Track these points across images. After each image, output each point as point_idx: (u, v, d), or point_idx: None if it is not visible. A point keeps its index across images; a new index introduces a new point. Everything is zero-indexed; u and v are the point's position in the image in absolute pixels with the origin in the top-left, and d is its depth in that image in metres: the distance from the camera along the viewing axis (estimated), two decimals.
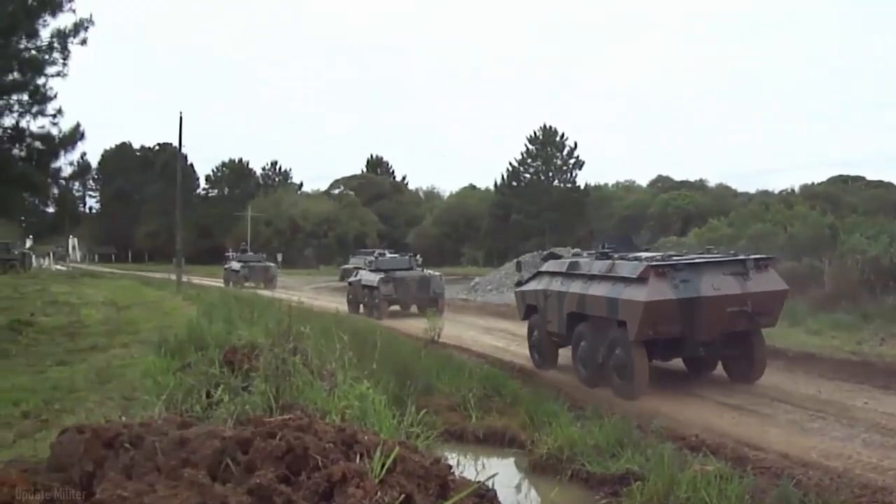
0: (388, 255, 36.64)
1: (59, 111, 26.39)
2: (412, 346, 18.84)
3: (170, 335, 16.53)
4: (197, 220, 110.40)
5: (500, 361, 19.21)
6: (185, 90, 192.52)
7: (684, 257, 15.95)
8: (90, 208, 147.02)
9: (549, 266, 19.06)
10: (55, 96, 26.39)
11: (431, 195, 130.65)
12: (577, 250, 20.39)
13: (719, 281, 14.67)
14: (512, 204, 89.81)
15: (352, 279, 36.33)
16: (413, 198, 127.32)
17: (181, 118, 48.04)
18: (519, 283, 21.22)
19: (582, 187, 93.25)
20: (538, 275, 19.50)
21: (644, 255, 16.82)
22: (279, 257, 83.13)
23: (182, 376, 10.52)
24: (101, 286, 50.92)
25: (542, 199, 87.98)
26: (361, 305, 34.02)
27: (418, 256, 37.15)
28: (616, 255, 16.66)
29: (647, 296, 14.16)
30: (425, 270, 34.61)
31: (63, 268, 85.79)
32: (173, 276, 48.08)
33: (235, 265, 58.29)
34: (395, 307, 33.37)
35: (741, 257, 15.57)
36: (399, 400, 10.35)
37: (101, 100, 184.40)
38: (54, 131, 26.40)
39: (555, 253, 21.47)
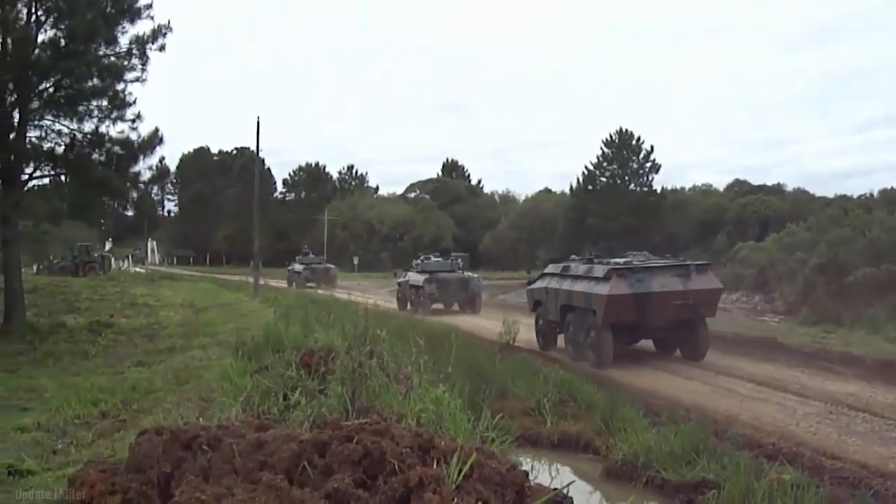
0: (433, 258, 40.05)
1: (138, 116, 26.80)
2: (487, 350, 18.79)
3: (247, 337, 16.65)
4: (274, 223, 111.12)
5: (575, 366, 19.09)
6: (263, 95, 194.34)
7: (643, 263, 20.17)
8: (168, 212, 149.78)
9: (550, 269, 23.60)
10: (134, 102, 26.82)
11: (506, 199, 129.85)
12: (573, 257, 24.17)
13: (667, 281, 18.93)
14: (587, 207, 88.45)
15: (401, 280, 39.86)
16: (488, 201, 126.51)
17: (258, 123, 48.68)
18: (530, 283, 25.30)
19: (658, 191, 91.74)
20: (542, 276, 23.92)
21: (616, 260, 20.62)
22: (355, 260, 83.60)
23: (259, 378, 10.56)
24: (179, 288, 51.61)
25: (617, 202, 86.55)
26: (409, 303, 37.40)
27: (460, 260, 40.96)
28: (596, 260, 20.84)
29: (609, 290, 18.48)
30: (465, 273, 38.39)
31: (141, 270, 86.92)
32: (250, 279, 48.65)
33: (298, 267, 61.34)
34: (439, 305, 36.39)
35: (685, 263, 19.97)
36: (474, 404, 10.30)
37: (179, 105, 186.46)
38: (133, 136, 26.80)
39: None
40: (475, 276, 38.95)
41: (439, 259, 40.00)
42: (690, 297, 18.78)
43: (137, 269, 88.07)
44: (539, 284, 23.60)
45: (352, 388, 8.34)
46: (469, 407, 9.67)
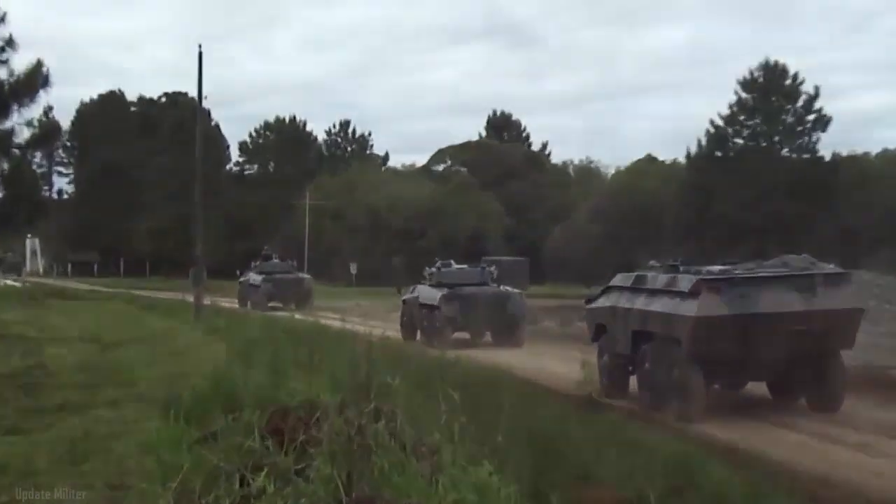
0: (455, 266, 40.27)
1: (10, 42, 26.79)
2: (558, 408, 18.78)
3: (184, 388, 16.71)
4: (228, 210, 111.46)
5: (697, 433, 19.02)
6: (209, 12, 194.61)
7: (749, 272, 20.94)
8: (60, 192, 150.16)
9: (618, 280, 24.83)
10: (2, 19, 26.78)
11: (587, 172, 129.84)
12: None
13: (782, 296, 19.60)
14: (715, 186, 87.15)
15: (407, 297, 40.54)
16: (559, 177, 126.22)
17: (201, 55, 48.39)
18: (588, 300, 27.00)
19: (826, 159, 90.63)
20: (607, 290, 25.33)
21: (710, 269, 21.69)
22: (353, 268, 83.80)
23: (203, 452, 10.59)
24: (76, 312, 51.89)
25: (763, 178, 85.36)
26: (419, 331, 37.70)
27: (494, 268, 41.29)
28: (682, 268, 21.82)
29: (698, 311, 19.29)
30: (501, 286, 38.49)
31: (17, 283, 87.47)
32: (190, 297, 48.74)
33: (255, 278, 61.50)
34: (463, 334, 36.78)
35: (809, 272, 20.59)
36: (538, 493, 10.29)
37: (75, 27, 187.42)
38: (2, 73, 26.80)
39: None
40: (517, 291, 39.58)
41: (463, 267, 40.52)
42: (816, 321, 19.45)
43: (10, 283, 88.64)
44: (602, 302, 24.94)
45: (347, 468, 8.36)
46: (530, 498, 9.66)
